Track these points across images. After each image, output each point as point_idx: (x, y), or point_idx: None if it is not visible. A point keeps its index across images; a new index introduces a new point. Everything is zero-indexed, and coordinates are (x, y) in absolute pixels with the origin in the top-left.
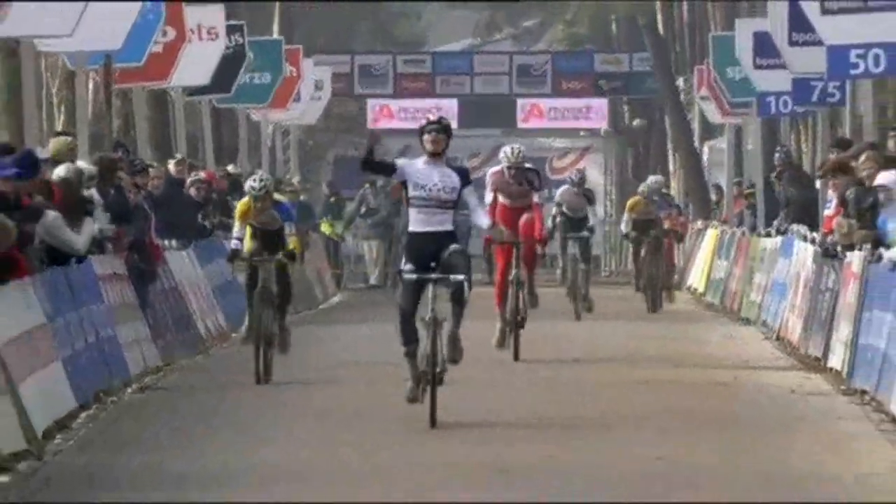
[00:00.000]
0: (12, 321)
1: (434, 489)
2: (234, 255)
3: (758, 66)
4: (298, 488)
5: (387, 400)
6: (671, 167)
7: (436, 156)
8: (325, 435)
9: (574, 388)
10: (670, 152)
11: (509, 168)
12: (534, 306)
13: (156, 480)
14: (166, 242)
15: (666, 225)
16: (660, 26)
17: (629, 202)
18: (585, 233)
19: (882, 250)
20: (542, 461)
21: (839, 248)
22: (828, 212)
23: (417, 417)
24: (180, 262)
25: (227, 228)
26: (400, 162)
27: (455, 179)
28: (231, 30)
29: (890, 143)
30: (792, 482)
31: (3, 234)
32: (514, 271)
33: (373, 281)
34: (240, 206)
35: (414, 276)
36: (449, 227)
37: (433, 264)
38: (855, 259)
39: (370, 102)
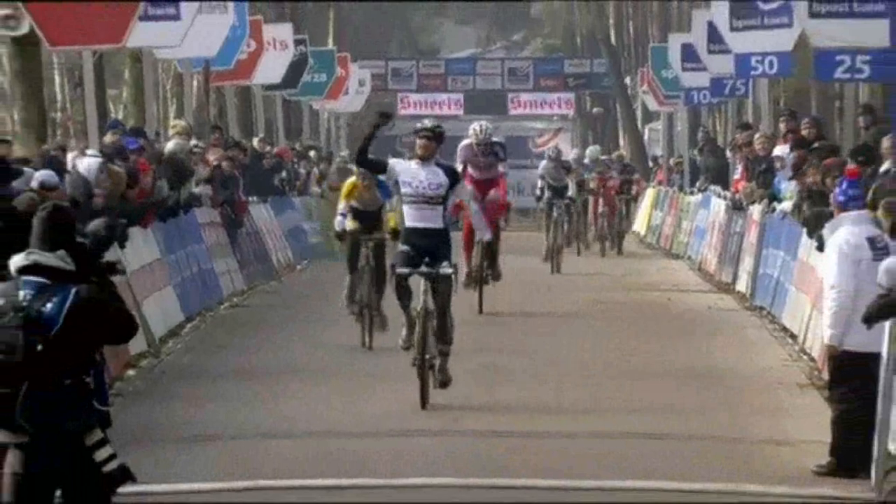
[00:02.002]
0: (137, 257)
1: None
2: (341, 235)
3: (685, 69)
4: (347, 377)
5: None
6: (621, 143)
7: (424, 159)
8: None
9: (547, 308)
10: (620, 132)
11: (478, 144)
12: (496, 279)
13: (243, 373)
14: (250, 198)
15: (591, 185)
16: (612, 39)
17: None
18: (567, 200)
19: (775, 204)
20: (531, 348)
21: (744, 203)
22: (736, 176)
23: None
24: (260, 213)
25: (294, 189)
26: (391, 161)
27: (442, 177)
28: (297, 42)
29: (781, 125)
30: (709, 373)
31: (117, 180)
32: (479, 234)
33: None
34: (346, 185)
35: (406, 271)
36: (440, 224)
37: (427, 259)
38: (755, 211)
39: (399, 95)
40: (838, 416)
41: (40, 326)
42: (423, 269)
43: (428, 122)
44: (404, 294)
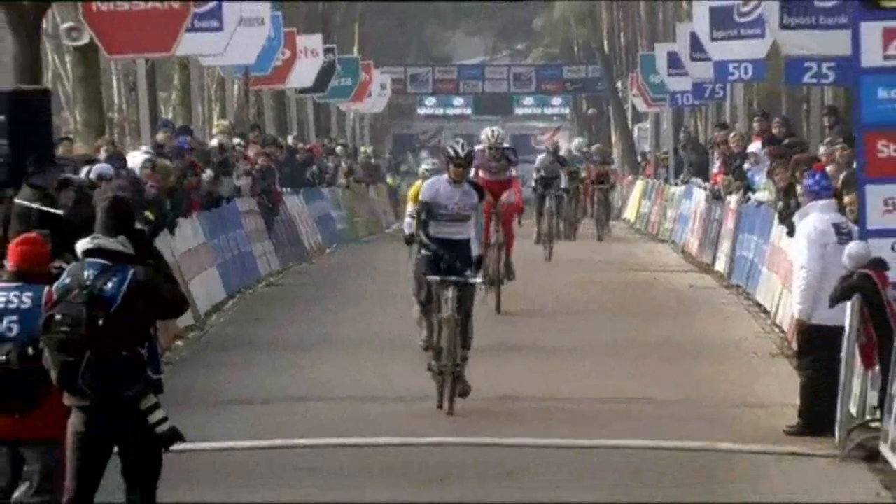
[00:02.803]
0: (185, 241)
1: None
2: (410, 239)
3: (670, 74)
4: (373, 347)
5: None
6: (613, 140)
7: (457, 181)
8: (388, 314)
9: (546, 287)
10: (612, 130)
11: (490, 148)
12: (510, 278)
13: (278, 344)
14: (285, 189)
15: (583, 174)
16: (606, 48)
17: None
18: (560, 192)
19: (750, 195)
20: (533, 326)
21: (722, 194)
22: (714, 170)
23: None
24: (293, 202)
25: (324, 181)
26: (426, 195)
27: (474, 196)
28: (326, 50)
29: (755, 125)
30: (690, 344)
31: (165, 174)
32: (495, 235)
33: None
34: (412, 189)
35: (437, 278)
36: (464, 235)
37: (446, 266)
38: (733, 201)
39: (416, 97)
40: (806, 382)
41: (102, 303)
42: (453, 277)
43: (460, 150)
44: (430, 299)
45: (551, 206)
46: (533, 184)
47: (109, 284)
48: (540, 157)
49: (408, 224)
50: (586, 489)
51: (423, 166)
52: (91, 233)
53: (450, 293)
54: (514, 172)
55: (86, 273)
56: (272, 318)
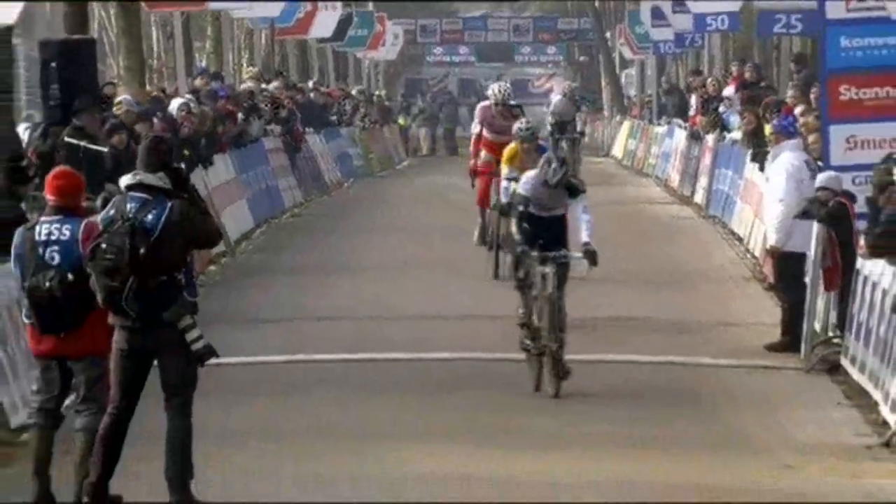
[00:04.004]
0: (217, 176)
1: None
2: (507, 209)
3: (654, 25)
4: (387, 271)
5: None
6: (602, 85)
7: (549, 184)
8: (402, 240)
9: None
10: (602, 76)
11: (496, 104)
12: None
13: (301, 269)
14: (307, 129)
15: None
16: (596, 2)
17: None
18: (576, 135)
19: (725, 134)
20: None
21: (701, 133)
22: (692, 112)
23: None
24: (315, 141)
25: (342, 122)
26: (525, 190)
27: (565, 196)
28: (344, 4)
29: (733, 69)
30: (671, 269)
31: (204, 118)
32: (495, 197)
33: (423, 152)
34: (507, 150)
35: (535, 254)
36: (561, 211)
37: (542, 242)
38: (710, 139)
39: (426, 46)
40: (789, 306)
41: (143, 233)
42: (553, 252)
43: (552, 175)
44: (528, 275)
45: (567, 150)
46: (548, 127)
47: (150, 216)
48: (555, 100)
49: (505, 190)
50: (579, 397)
51: (517, 125)
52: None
53: (549, 269)
54: None
55: (128, 206)
56: (296, 246)
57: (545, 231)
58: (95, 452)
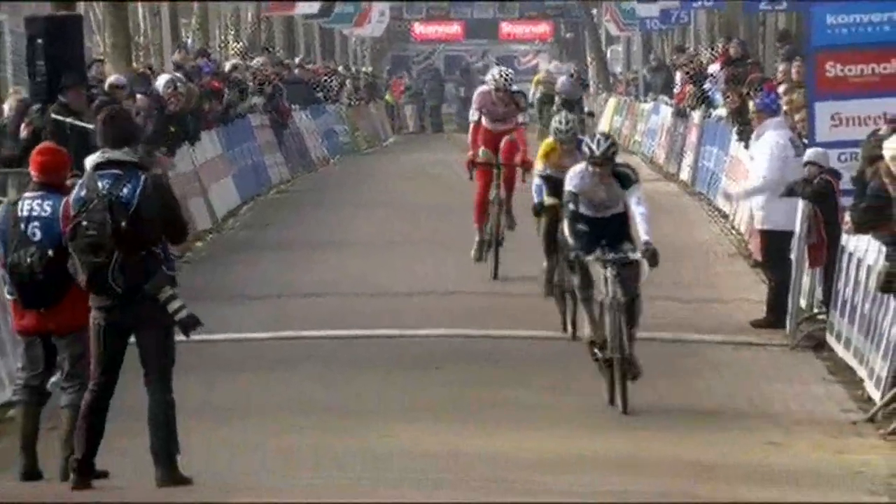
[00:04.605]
0: (203, 153)
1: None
2: (540, 209)
3: (640, 1)
4: (373, 248)
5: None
6: (588, 61)
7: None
8: (391, 216)
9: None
10: (588, 53)
11: (497, 90)
12: (511, 228)
13: (288, 244)
14: (293, 106)
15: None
16: None
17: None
18: (583, 115)
19: (711, 111)
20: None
21: (686, 110)
22: (676, 89)
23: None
24: (301, 118)
25: (328, 99)
26: (573, 185)
27: (618, 189)
28: None
29: (731, 49)
30: (657, 245)
31: (191, 95)
32: (494, 192)
33: (410, 129)
34: (543, 146)
35: (590, 257)
36: (618, 209)
37: (604, 242)
38: (695, 116)
39: (412, 24)
40: (775, 283)
41: (121, 207)
42: (610, 254)
43: (596, 147)
44: (588, 283)
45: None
46: (555, 109)
47: (125, 190)
48: (561, 81)
49: (536, 189)
50: (570, 369)
51: (555, 124)
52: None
53: (609, 273)
54: (521, 119)
55: (100, 184)
56: (282, 221)
57: (604, 233)
58: (79, 428)
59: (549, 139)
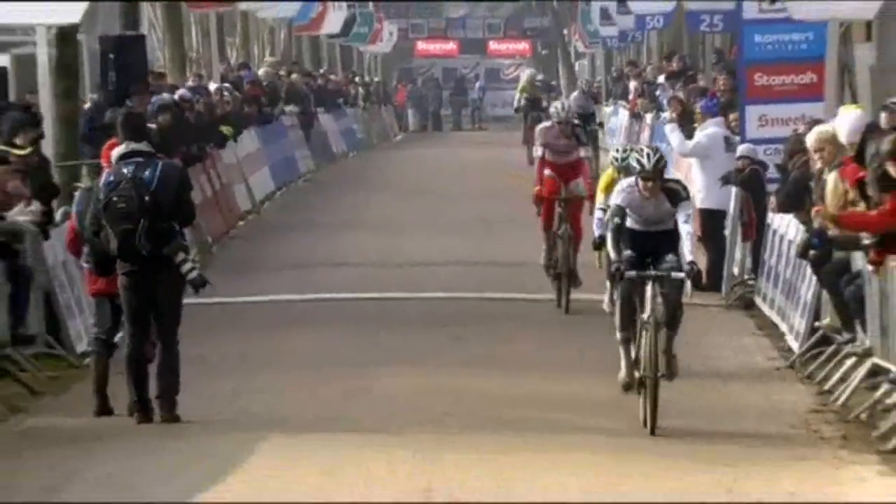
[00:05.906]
0: (244, 148)
1: None
2: (601, 242)
3: (602, 24)
4: (389, 226)
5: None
6: (560, 74)
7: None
8: (407, 199)
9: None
10: (560, 67)
11: (559, 123)
12: (575, 285)
13: (314, 224)
14: (318, 109)
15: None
16: (555, 5)
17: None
18: (595, 127)
19: (661, 114)
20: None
21: (641, 113)
22: (630, 96)
23: None
24: (325, 120)
25: (347, 103)
26: (620, 199)
27: (667, 206)
28: (349, 5)
29: (674, 63)
30: None
31: (234, 102)
32: (563, 225)
33: (413, 129)
34: (603, 178)
35: (634, 273)
36: (666, 226)
37: (649, 261)
38: (647, 118)
39: (416, 42)
40: (713, 255)
41: (144, 186)
42: (651, 271)
43: (646, 161)
44: (626, 323)
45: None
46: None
47: (146, 173)
48: (573, 96)
49: (598, 221)
50: (561, 331)
51: (613, 153)
52: (179, 143)
53: (648, 291)
54: (583, 153)
55: (125, 169)
56: (309, 205)
57: (652, 248)
58: (126, 375)
59: (608, 171)
